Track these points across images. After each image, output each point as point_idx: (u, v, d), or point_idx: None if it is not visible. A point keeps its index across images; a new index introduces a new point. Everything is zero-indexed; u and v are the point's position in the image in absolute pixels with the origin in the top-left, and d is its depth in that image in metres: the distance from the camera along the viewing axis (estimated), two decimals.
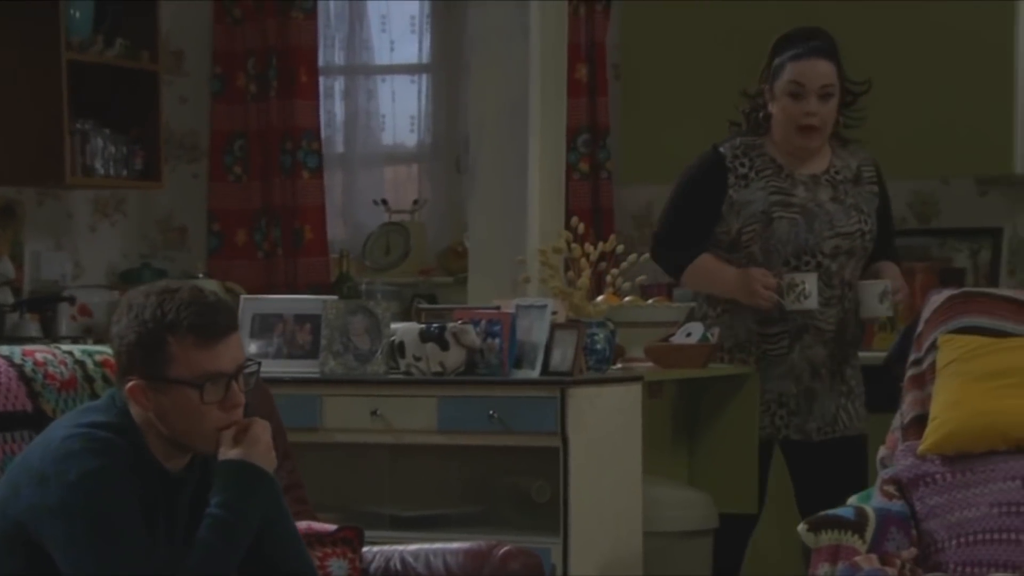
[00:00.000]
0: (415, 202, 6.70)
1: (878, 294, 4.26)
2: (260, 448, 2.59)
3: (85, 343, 5.11)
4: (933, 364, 3.90)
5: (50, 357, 3.09)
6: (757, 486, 4.53)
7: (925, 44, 5.53)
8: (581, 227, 4.25)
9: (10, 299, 5.76)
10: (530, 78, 4.47)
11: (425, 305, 4.35)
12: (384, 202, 6.70)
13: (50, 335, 5.76)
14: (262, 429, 2.60)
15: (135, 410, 2.62)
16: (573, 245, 4.22)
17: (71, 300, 5.94)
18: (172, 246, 6.73)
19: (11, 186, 5.98)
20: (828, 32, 4.31)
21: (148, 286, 2.63)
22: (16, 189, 6.03)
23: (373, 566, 3.17)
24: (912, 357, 3.98)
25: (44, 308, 5.87)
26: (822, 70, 4.24)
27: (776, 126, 4.30)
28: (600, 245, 4.27)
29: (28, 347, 3.13)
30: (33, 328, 5.75)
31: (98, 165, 6.02)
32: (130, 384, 2.60)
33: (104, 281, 6.41)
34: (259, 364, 2.69)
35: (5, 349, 3.11)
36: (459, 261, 6.56)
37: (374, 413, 4.08)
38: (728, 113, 5.79)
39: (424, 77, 6.75)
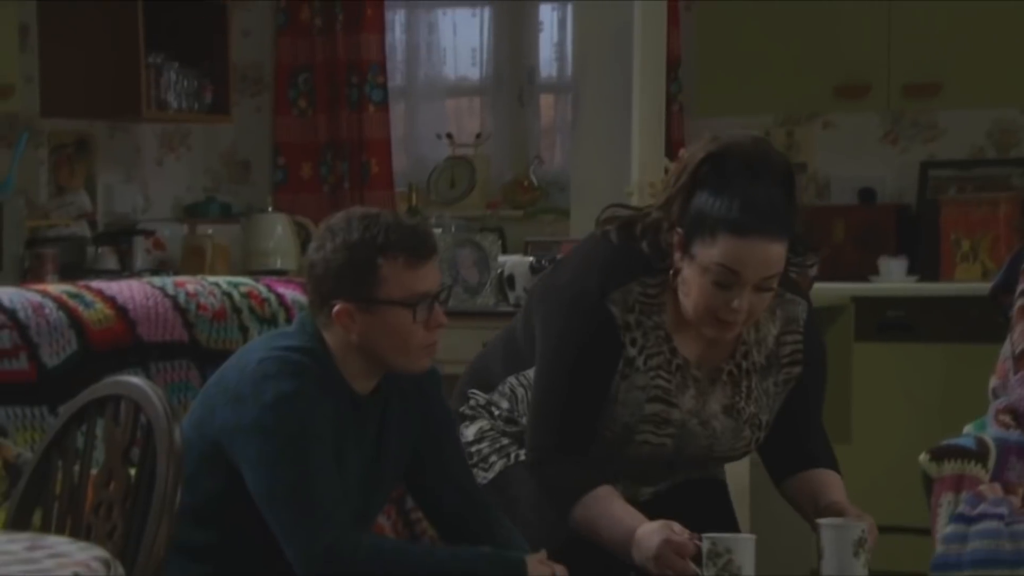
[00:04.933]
0: (478, 135, 6.70)
1: (853, 542, 2.73)
2: None
3: (164, 275, 5.15)
4: None
5: (200, 288, 3.12)
6: (850, 424, 4.54)
7: None
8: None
9: (88, 232, 5.78)
10: (634, 8, 4.45)
11: (533, 238, 4.35)
12: (448, 136, 6.70)
13: (127, 268, 5.78)
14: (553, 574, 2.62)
15: (332, 333, 2.64)
16: None
17: (148, 233, 5.96)
18: (236, 180, 6.74)
19: (85, 119, 5.99)
20: (782, 157, 2.86)
21: (344, 213, 2.65)
22: (88, 122, 6.04)
23: None
24: (1020, 287, 3.99)
25: (119, 241, 5.88)
26: (771, 256, 2.75)
27: (686, 297, 2.83)
28: None
29: (178, 278, 3.16)
30: (111, 261, 5.78)
31: (171, 99, 6.02)
32: (337, 308, 2.61)
33: (171, 214, 6.43)
34: (451, 287, 2.73)
35: (158, 280, 3.14)
36: (526, 195, 6.57)
37: (485, 345, 4.09)
38: (805, 47, 5.83)
39: (485, 10, 6.73)
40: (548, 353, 2.84)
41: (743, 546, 2.64)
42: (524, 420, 2.96)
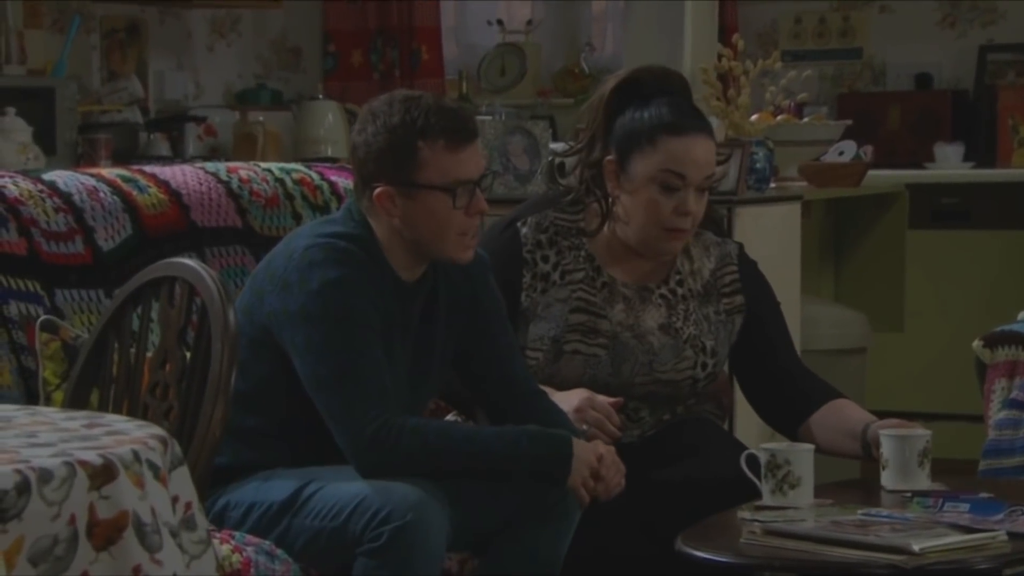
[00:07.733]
0: (529, 22, 6.64)
1: (919, 452, 2.71)
2: (582, 466, 2.61)
3: (216, 162, 5.15)
4: None
5: (253, 175, 3.12)
6: (903, 312, 4.52)
7: None
8: (741, 43, 4.22)
9: (140, 118, 5.79)
10: None
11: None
12: (499, 22, 6.64)
13: (179, 154, 5.79)
14: (600, 455, 2.63)
15: (377, 219, 2.64)
16: (733, 63, 4.19)
17: (200, 120, 5.95)
18: (287, 67, 6.71)
19: (136, 4, 5.97)
20: (682, 76, 2.97)
21: (387, 95, 2.63)
22: (140, 7, 6.02)
23: None
24: None
25: (171, 128, 5.88)
26: (709, 152, 2.86)
27: (626, 223, 2.90)
28: (760, 63, 4.24)
29: (231, 164, 3.17)
30: (163, 148, 5.78)
31: None
32: (378, 191, 2.61)
33: (222, 101, 6.41)
34: (494, 173, 2.70)
35: (211, 166, 3.14)
36: (576, 82, 6.52)
37: None
38: None
39: None
40: None
41: (802, 457, 2.61)
42: None
